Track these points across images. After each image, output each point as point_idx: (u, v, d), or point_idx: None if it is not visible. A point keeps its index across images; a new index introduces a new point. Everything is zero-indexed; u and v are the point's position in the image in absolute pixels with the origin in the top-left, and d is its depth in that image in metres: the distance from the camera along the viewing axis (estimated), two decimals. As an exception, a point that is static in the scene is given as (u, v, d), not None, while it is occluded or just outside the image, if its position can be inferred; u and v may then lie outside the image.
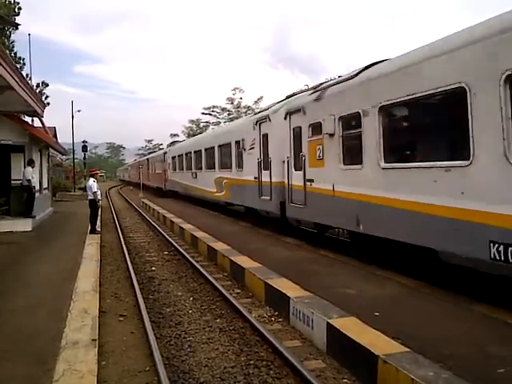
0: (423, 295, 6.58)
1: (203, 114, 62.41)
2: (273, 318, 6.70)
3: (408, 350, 4.44)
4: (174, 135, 70.67)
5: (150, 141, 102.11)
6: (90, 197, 14.61)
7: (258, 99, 57.14)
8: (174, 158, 31.85)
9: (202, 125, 64.71)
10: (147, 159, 46.98)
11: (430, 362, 4.16)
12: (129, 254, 11.85)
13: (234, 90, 58.85)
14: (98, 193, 14.72)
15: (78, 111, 48.50)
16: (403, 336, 4.79)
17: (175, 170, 31.19)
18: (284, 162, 12.30)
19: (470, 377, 3.85)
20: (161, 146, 77.52)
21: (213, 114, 61.05)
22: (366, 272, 8.12)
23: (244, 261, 9.05)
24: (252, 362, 5.21)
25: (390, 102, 7.70)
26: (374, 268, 8.33)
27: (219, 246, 10.96)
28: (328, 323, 5.34)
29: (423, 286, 7.07)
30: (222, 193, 19.03)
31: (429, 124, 7.65)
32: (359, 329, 5.08)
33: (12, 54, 31.74)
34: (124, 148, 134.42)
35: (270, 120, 13.70)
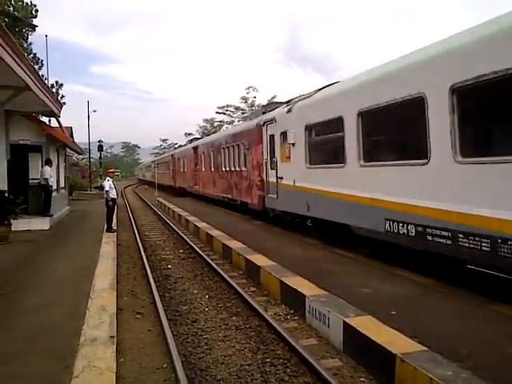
0: (440, 294, 6.53)
1: (217, 113, 62.67)
2: (289, 317, 6.70)
3: (426, 348, 4.40)
4: (189, 134, 70.95)
5: (164, 140, 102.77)
6: (107, 196, 14.74)
7: (272, 98, 57.06)
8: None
9: (215, 124, 64.86)
10: (194, 148, 29.62)
11: (449, 361, 4.12)
12: (145, 252, 11.94)
13: (248, 88, 58.98)
14: (114, 192, 14.83)
15: (94, 111, 49.03)
16: (420, 335, 4.76)
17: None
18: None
19: (489, 377, 3.81)
20: (175, 146, 77.95)
21: (227, 113, 61.26)
22: (381, 271, 8.08)
23: (259, 259, 9.06)
24: (268, 359, 5.22)
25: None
26: (390, 267, 8.28)
27: (234, 244, 10.99)
28: (344, 322, 5.32)
29: (440, 286, 7.01)
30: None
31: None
32: (376, 327, 5.05)
33: (30, 56, 32.17)
34: (139, 147, 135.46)
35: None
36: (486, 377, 3.81)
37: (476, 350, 4.50)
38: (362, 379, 4.65)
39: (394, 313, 5.64)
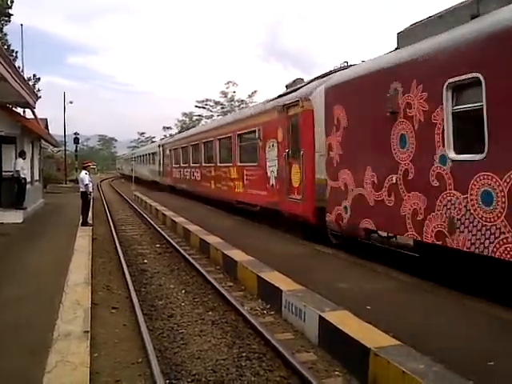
0: (416, 290, 6.64)
1: (196, 107, 62.16)
2: (265, 311, 6.72)
3: (399, 343, 4.48)
4: (167, 128, 70.38)
5: (142, 133, 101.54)
6: (82, 189, 14.51)
7: (252, 93, 57.06)
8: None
9: (194, 118, 64.47)
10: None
11: (421, 355, 4.20)
12: (121, 246, 11.81)
13: (228, 83, 58.65)
14: (90, 185, 14.63)
15: (70, 103, 48.06)
16: (395, 329, 4.83)
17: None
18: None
19: (461, 369, 3.90)
20: (153, 139, 77.14)
21: (206, 107, 60.81)
22: (360, 267, 8.17)
23: (236, 254, 9.06)
24: (244, 354, 5.23)
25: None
26: (370, 264, 8.38)
27: (212, 239, 10.96)
28: (320, 316, 5.37)
29: (417, 282, 7.11)
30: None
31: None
32: (351, 322, 5.11)
33: (5, 47, 31.28)
34: (116, 140, 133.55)
35: None
36: (458, 369, 3.89)
37: (449, 344, 4.59)
38: (336, 373, 4.70)
39: (369, 308, 5.71)
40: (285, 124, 11.87)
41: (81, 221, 14.33)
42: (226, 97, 59.04)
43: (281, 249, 9.96)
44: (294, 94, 11.97)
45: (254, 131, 14.25)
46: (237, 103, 57.77)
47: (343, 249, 9.60)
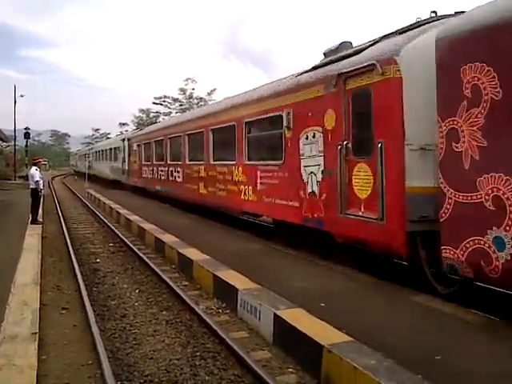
0: (370, 288, 6.78)
1: (154, 103, 61.17)
2: (220, 310, 6.69)
3: (352, 339, 4.56)
4: (123, 124, 68.92)
5: (97, 129, 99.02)
6: (32, 186, 13.98)
7: (212, 91, 56.73)
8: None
9: (152, 115, 63.45)
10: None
11: (373, 350, 4.29)
12: (72, 245, 11.45)
13: (187, 80, 58.04)
14: (41, 182, 14.12)
15: (21, 96, 46.26)
16: (348, 326, 4.92)
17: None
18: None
19: (410, 364, 4.01)
20: (109, 135, 75.37)
21: (164, 104, 59.96)
22: (316, 265, 8.27)
23: (192, 253, 8.98)
24: (198, 353, 5.19)
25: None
26: (324, 261, 8.50)
27: (167, 237, 10.81)
28: (275, 314, 5.40)
29: (371, 280, 7.26)
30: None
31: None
32: (306, 319, 5.17)
33: None
34: (69, 136, 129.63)
35: None
36: (407, 364, 4.00)
37: (400, 339, 4.72)
38: (290, 370, 4.73)
39: (323, 305, 5.79)
40: (340, 103, 7.95)
41: (30, 219, 13.80)
42: (184, 94, 58.41)
43: (237, 247, 9.96)
44: (355, 57, 7.93)
45: (277, 117, 10.07)
46: (195, 101, 57.27)
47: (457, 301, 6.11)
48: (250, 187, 11.30)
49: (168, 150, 19.26)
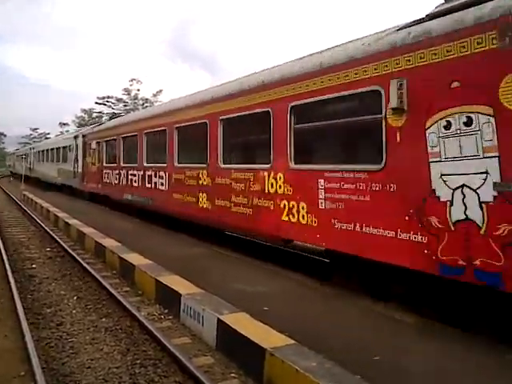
0: (313, 291, 6.88)
1: (97, 103, 59.43)
2: (163, 316, 6.55)
3: (294, 342, 4.60)
4: (64, 124, 66.46)
5: (35, 129, 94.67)
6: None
7: (157, 92, 55.96)
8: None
9: (94, 115, 61.59)
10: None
11: (315, 353, 4.34)
12: (5, 250, 10.84)
13: (132, 80, 56.88)
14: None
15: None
16: (291, 329, 4.95)
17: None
18: None
19: (350, 365, 4.10)
20: (48, 135, 72.35)
21: (107, 104, 58.39)
22: (259, 268, 8.30)
23: (134, 258, 8.74)
24: (139, 361, 5.04)
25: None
26: (269, 265, 8.55)
27: (108, 242, 10.48)
28: (218, 319, 5.35)
29: (314, 283, 7.37)
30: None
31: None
32: (249, 324, 5.15)
33: None
34: (5, 136, 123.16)
35: None
36: (348, 365, 4.08)
37: (341, 341, 4.82)
38: (232, 375, 4.70)
39: (266, 309, 5.81)
40: None
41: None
42: (129, 94, 57.21)
43: (180, 251, 9.82)
44: None
45: (368, 94, 6.47)
46: (141, 101, 56.22)
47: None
48: (303, 204, 7.52)
49: (144, 149, 14.77)
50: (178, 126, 12.30)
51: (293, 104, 7.81)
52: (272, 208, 8.27)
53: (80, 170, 23.39)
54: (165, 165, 12.98)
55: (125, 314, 6.57)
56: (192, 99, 11.96)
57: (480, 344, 4.80)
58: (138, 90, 57.03)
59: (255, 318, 5.30)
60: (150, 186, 14.15)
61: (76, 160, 24.46)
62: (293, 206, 7.77)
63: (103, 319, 6.46)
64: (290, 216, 7.81)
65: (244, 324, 5.12)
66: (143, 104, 54.50)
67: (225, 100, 9.98)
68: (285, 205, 7.97)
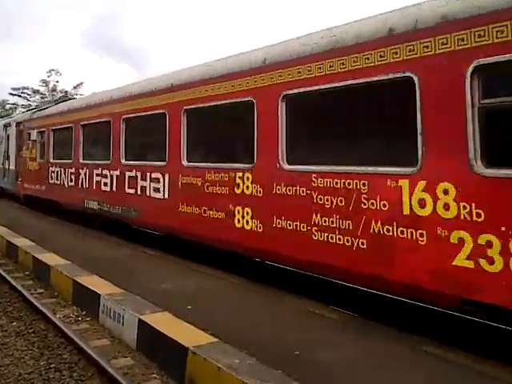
0: (236, 288, 6.89)
1: (11, 94, 55.65)
2: (80, 318, 6.27)
3: (217, 340, 4.59)
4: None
5: None
6: None
7: (78, 85, 53.48)
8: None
9: (8, 107, 57.67)
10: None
11: (237, 350, 4.36)
12: None
13: (50, 71, 53.92)
14: None
15: None
16: (214, 327, 4.94)
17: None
18: None
19: (272, 361, 4.15)
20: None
21: (23, 95, 54.88)
22: (184, 268, 8.18)
23: (50, 258, 8.30)
24: (53, 365, 4.79)
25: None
26: (193, 264, 8.46)
27: (21, 241, 9.86)
28: (140, 319, 5.21)
29: (244, 282, 7.37)
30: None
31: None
32: (171, 323, 5.08)
33: None
34: None
35: None
36: (269, 361, 4.14)
37: (262, 337, 4.86)
38: (153, 375, 4.59)
39: (190, 307, 5.75)
40: None
41: None
42: (47, 86, 54.17)
43: (105, 251, 9.45)
44: None
45: None
46: (60, 94, 53.43)
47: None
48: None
49: (123, 141, 10.70)
50: (192, 107, 8.38)
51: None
52: (424, 242, 4.94)
53: (13, 167, 19.04)
54: (162, 163, 9.09)
55: (38, 316, 6.23)
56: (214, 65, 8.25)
57: (399, 337, 5.02)
58: (57, 82, 54.24)
59: (178, 317, 5.24)
60: (132, 191, 10.18)
61: (6, 154, 20.05)
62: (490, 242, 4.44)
63: (14, 323, 6.07)
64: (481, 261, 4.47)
65: (166, 323, 5.03)
66: (62, 96, 51.90)
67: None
68: (463, 240, 4.62)
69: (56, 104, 17.01)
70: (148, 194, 9.56)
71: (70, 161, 13.32)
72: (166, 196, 8.99)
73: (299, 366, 4.18)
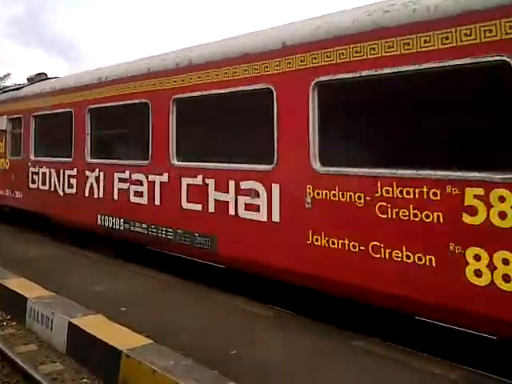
0: (171, 288, 6.78)
1: None
2: (5, 323, 5.95)
3: (152, 342, 4.50)
4: None
5: None
6: None
7: (5, 76, 50.55)
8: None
9: None
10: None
11: (172, 351, 4.30)
12: None
13: (-27, 61, 50.40)
14: None
15: None
16: (149, 328, 4.83)
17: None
18: None
19: (208, 361, 4.12)
20: None
21: None
22: (116, 268, 7.93)
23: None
24: (-27, 374, 4.49)
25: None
26: (124, 263, 8.23)
27: None
28: (70, 322, 5.01)
29: (178, 282, 7.25)
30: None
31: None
32: (104, 326, 4.92)
33: None
34: None
35: None
36: (205, 361, 4.11)
37: (199, 338, 4.81)
38: (84, 380, 4.43)
39: (124, 309, 5.59)
40: None
41: None
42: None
43: (29, 252, 8.97)
44: None
45: None
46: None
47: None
48: None
49: (173, 132, 7.20)
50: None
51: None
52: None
53: None
54: (268, 167, 5.88)
55: (-44, 322, 5.80)
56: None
57: (334, 332, 5.13)
58: (-19, 73, 50.85)
59: (112, 320, 5.08)
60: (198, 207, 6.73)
61: None
62: None
63: None
64: None
65: (98, 326, 4.87)
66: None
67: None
68: None
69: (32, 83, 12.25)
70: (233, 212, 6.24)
71: (68, 159, 9.58)
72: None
73: (236, 366, 4.18)
